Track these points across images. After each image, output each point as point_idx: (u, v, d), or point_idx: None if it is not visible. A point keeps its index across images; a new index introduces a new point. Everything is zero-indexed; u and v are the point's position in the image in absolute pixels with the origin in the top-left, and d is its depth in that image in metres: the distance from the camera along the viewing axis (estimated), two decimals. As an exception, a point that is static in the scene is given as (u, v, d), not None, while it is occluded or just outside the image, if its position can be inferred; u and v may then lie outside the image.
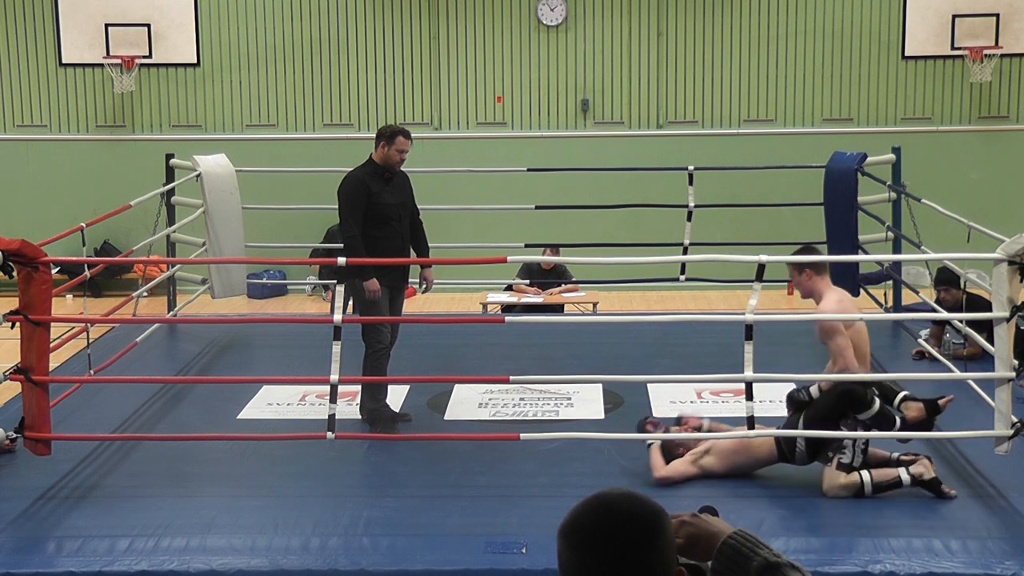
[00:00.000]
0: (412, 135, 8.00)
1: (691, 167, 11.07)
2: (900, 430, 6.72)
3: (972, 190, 14.70)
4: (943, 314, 8.58)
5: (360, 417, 7.84)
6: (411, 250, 8.15)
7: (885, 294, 10.56)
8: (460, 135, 15.05)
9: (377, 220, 7.77)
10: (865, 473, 6.62)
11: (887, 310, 10.37)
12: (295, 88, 15.22)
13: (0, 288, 11.87)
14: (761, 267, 6.61)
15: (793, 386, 7.10)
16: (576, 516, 2.32)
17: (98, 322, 9.20)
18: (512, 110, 15.21)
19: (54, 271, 7.19)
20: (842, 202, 10.20)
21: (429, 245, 8.27)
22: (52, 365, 7.11)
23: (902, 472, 6.62)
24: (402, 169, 8.01)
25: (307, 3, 15.12)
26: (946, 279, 9.10)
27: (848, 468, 6.57)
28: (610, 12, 15.03)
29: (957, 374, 7.63)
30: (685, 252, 10.53)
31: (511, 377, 7.15)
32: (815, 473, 6.85)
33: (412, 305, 10.96)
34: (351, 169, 8.00)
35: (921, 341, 9.31)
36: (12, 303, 6.77)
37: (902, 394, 6.98)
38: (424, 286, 8.19)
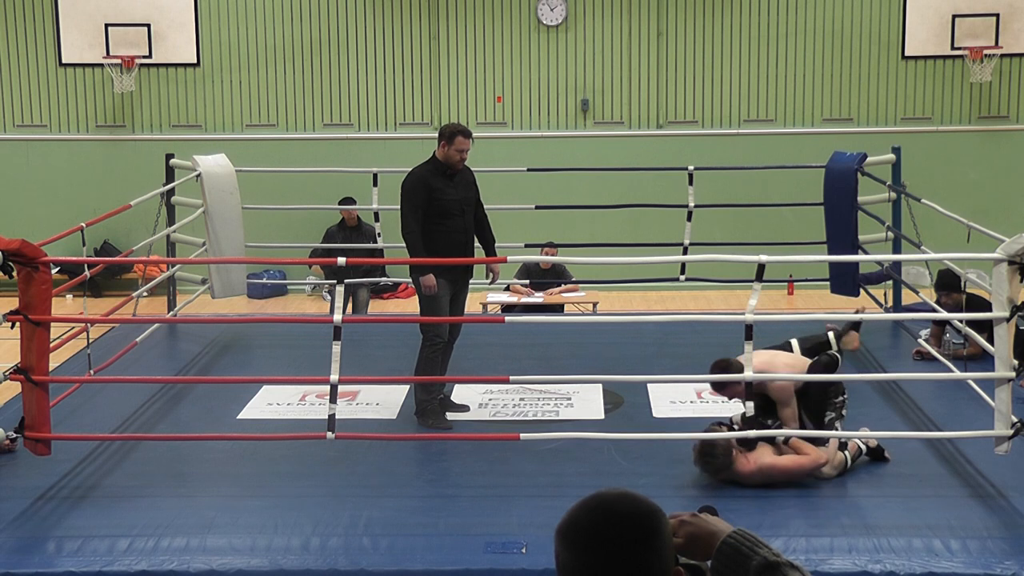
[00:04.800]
0: (472, 134, 8.04)
1: (691, 167, 11.06)
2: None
3: (972, 190, 14.70)
4: (943, 314, 8.56)
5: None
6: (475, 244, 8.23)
7: (885, 294, 10.56)
8: (460, 135, 15.03)
9: (440, 215, 7.85)
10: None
11: (887, 310, 10.36)
12: (295, 88, 15.22)
13: (0, 288, 11.87)
14: (761, 267, 6.62)
15: (789, 387, 7.05)
16: (574, 516, 2.32)
17: (98, 322, 9.19)
18: (512, 110, 15.22)
19: (54, 271, 7.19)
20: (842, 202, 10.19)
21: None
22: (52, 365, 7.10)
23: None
24: (465, 164, 8.05)
25: (307, 3, 15.12)
26: (947, 283, 9.04)
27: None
28: (610, 12, 15.04)
29: (957, 374, 7.62)
30: (685, 252, 10.53)
31: (511, 377, 7.17)
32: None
33: (412, 304, 10.94)
34: (413, 167, 8.03)
35: (921, 341, 9.29)
36: (12, 303, 6.77)
37: (830, 334, 7.41)
38: (491, 277, 8.22)
